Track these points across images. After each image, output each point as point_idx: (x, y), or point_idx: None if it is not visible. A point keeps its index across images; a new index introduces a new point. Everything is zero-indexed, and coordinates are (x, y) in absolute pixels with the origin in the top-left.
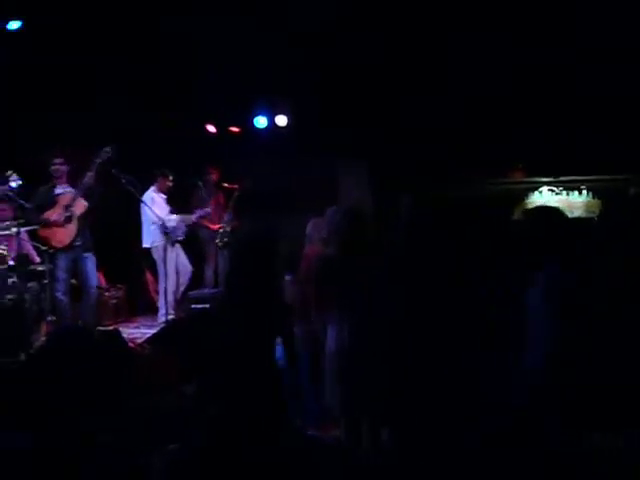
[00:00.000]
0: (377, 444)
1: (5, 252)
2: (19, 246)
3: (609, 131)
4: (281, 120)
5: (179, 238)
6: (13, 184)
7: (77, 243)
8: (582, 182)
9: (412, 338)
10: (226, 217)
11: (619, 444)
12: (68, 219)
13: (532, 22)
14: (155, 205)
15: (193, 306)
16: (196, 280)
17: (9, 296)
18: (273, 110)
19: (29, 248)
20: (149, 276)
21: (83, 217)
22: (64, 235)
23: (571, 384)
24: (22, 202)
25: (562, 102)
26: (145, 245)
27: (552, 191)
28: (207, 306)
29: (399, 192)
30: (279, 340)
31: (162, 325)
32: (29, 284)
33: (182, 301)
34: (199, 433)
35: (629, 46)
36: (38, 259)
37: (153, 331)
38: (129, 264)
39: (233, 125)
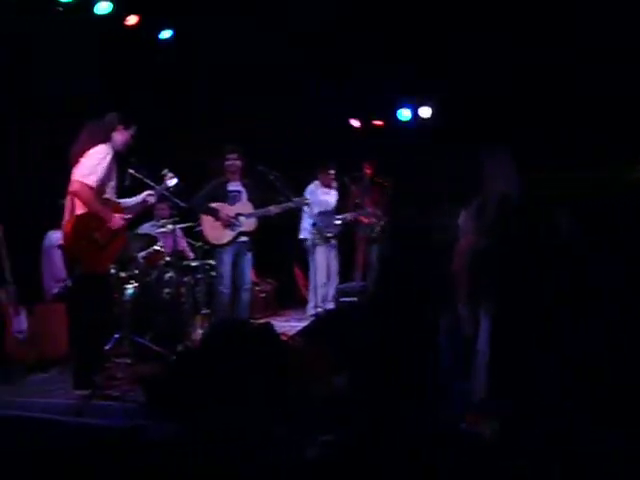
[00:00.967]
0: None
1: (162, 249)
2: (175, 243)
3: None
4: (425, 112)
5: (330, 234)
6: (169, 183)
7: (242, 239)
8: None
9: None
10: (378, 212)
11: None
12: (231, 225)
13: None
14: (313, 198)
15: (342, 299)
16: (345, 273)
17: (166, 290)
18: (417, 102)
19: (184, 245)
20: (298, 270)
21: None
22: (223, 235)
23: None
24: (177, 201)
25: None
26: (301, 236)
27: None
28: (355, 299)
29: (544, 179)
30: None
31: (311, 318)
32: (184, 278)
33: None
34: (352, 424)
35: None
36: (192, 255)
37: (302, 324)
38: (279, 259)
39: (377, 119)
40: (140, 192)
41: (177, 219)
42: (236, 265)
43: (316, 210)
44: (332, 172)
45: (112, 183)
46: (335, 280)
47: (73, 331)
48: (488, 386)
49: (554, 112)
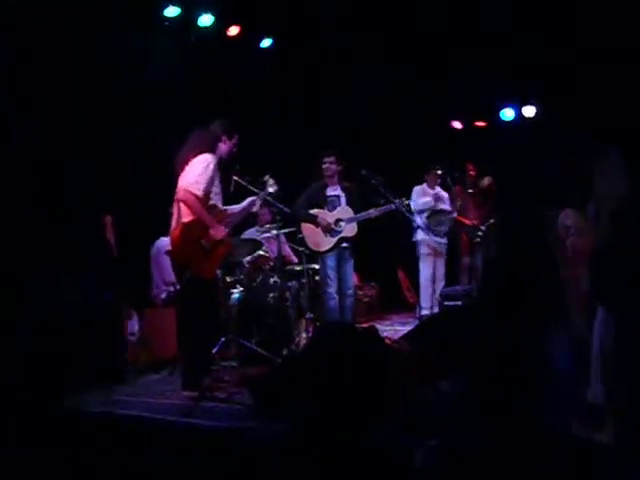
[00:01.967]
0: None
1: (267, 254)
2: (279, 248)
3: None
4: (529, 111)
5: (440, 235)
6: (270, 189)
7: (343, 245)
8: None
9: None
10: (483, 213)
11: None
12: (331, 231)
13: None
14: (420, 199)
15: (446, 303)
16: (450, 277)
17: (271, 294)
18: (520, 101)
19: (287, 249)
20: (401, 273)
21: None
22: (324, 242)
23: None
24: (281, 206)
25: None
26: (414, 239)
27: None
28: (460, 303)
29: None
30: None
31: (416, 322)
32: (289, 283)
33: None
34: (458, 430)
35: None
36: (296, 259)
37: (407, 328)
38: (382, 262)
39: (479, 120)
40: (244, 198)
41: (280, 224)
42: (339, 270)
43: (425, 212)
44: (439, 173)
45: (217, 190)
46: (441, 283)
47: (181, 334)
48: (605, 390)
49: None
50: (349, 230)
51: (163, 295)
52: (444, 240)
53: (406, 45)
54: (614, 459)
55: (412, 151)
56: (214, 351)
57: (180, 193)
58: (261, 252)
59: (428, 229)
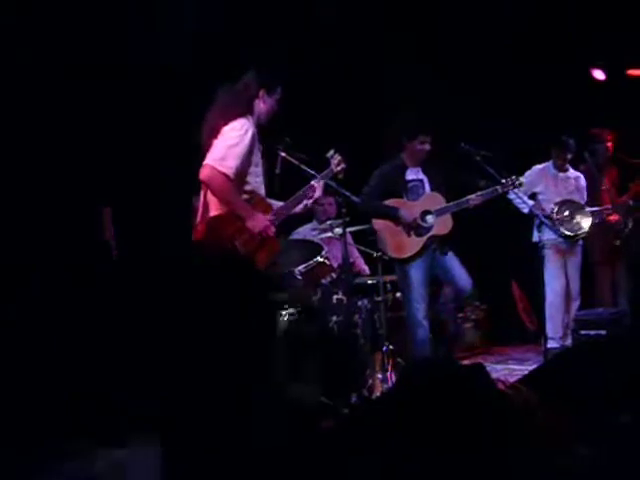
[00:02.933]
0: None
1: (327, 261)
2: (345, 252)
3: None
4: None
5: (572, 234)
6: (337, 168)
7: (432, 246)
8: None
9: None
10: (622, 204)
11: None
12: (417, 227)
13: None
14: (544, 185)
15: (583, 332)
16: (587, 294)
17: (334, 318)
18: None
19: (356, 255)
20: (518, 289)
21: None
22: (408, 243)
23: None
24: (348, 194)
25: None
26: (535, 239)
27: None
28: (604, 333)
29: None
30: None
31: (541, 359)
32: (359, 302)
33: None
34: None
35: None
36: (367, 269)
37: (528, 368)
38: (490, 273)
39: (634, 67)
40: (294, 188)
41: (347, 219)
42: (436, 276)
43: (552, 201)
44: (572, 147)
45: (257, 169)
46: (576, 303)
47: None
48: None
49: None
50: (441, 225)
51: None
52: (579, 242)
53: None
54: None
55: (531, 114)
56: None
57: (204, 171)
58: (320, 258)
59: (558, 225)
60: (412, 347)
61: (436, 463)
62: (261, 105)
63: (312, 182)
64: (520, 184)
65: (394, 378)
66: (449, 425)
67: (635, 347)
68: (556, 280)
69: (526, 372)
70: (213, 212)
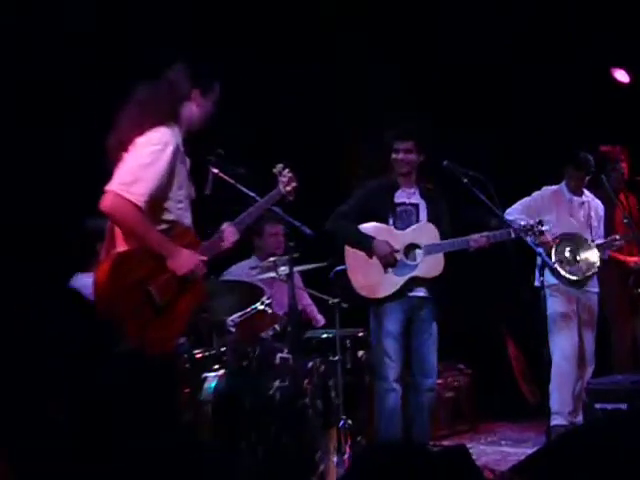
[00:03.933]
0: None
1: (269, 309)
2: (292, 298)
3: None
4: None
5: (580, 278)
6: (285, 188)
7: (417, 292)
8: None
9: None
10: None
11: None
12: (395, 264)
13: None
14: (556, 213)
15: (598, 405)
16: (603, 357)
17: (277, 383)
18: None
19: (308, 301)
20: (513, 347)
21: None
22: (383, 282)
23: None
24: (298, 224)
25: None
26: (536, 283)
27: None
28: (623, 406)
29: None
30: None
31: (542, 440)
32: (309, 363)
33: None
34: None
35: None
36: (322, 319)
37: (525, 451)
38: (480, 327)
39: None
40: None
41: (296, 255)
42: (409, 339)
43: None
44: (590, 166)
45: (181, 194)
46: (590, 368)
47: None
48: None
49: None
50: (429, 266)
51: None
52: (594, 289)
53: None
54: None
55: (540, 126)
56: None
57: (106, 200)
58: (260, 306)
59: (559, 268)
60: (378, 420)
61: None
62: (194, 109)
63: (223, 226)
64: (542, 233)
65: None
66: None
67: None
68: (566, 339)
69: (524, 456)
70: (120, 246)
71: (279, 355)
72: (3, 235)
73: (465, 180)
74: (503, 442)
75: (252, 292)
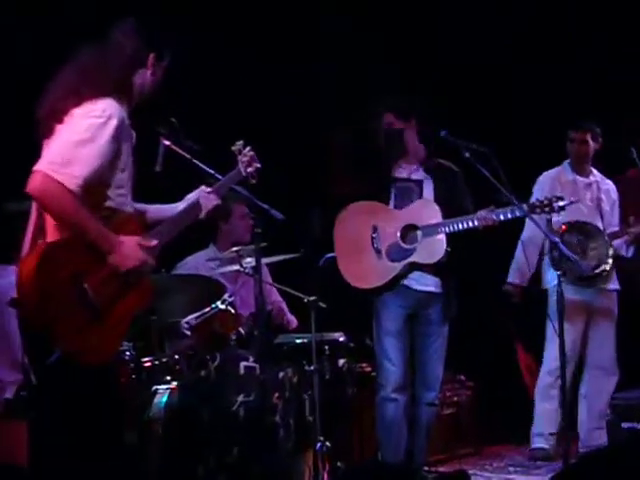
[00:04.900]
0: None
1: (231, 308)
2: (259, 295)
3: None
4: None
5: (588, 274)
6: (247, 169)
7: (419, 285)
8: None
9: None
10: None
11: None
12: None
13: None
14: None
15: (625, 425)
16: (628, 369)
17: (241, 398)
18: None
19: (277, 298)
20: (523, 355)
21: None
22: (377, 269)
23: None
24: (266, 206)
25: None
26: (544, 285)
27: None
28: None
29: None
30: None
31: (559, 467)
32: (280, 373)
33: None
34: None
35: None
36: (295, 321)
37: (536, 479)
38: (484, 331)
39: None
40: (184, 189)
41: (264, 244)
42: (414, 341)
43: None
44: (597, 136)
45: (124, 177)
46: (614, 379)
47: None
48: None
49: None
50: (428, 251)
51: (7, 394)
52: (612, 286)
53: None
54: None
55: (540, 126)
56: None
57: (34, 181)
58: (221, 305)
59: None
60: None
61: None
62: (147, 77)
63: (200, 190)
64: (562, 209)
65: None
66: None
67: None
68: (556, 349)
69: None
70: (51, 236)
71: (243, 364)
72: None
73: (467, 154)
74: (511, 468)
75: (211, 288)
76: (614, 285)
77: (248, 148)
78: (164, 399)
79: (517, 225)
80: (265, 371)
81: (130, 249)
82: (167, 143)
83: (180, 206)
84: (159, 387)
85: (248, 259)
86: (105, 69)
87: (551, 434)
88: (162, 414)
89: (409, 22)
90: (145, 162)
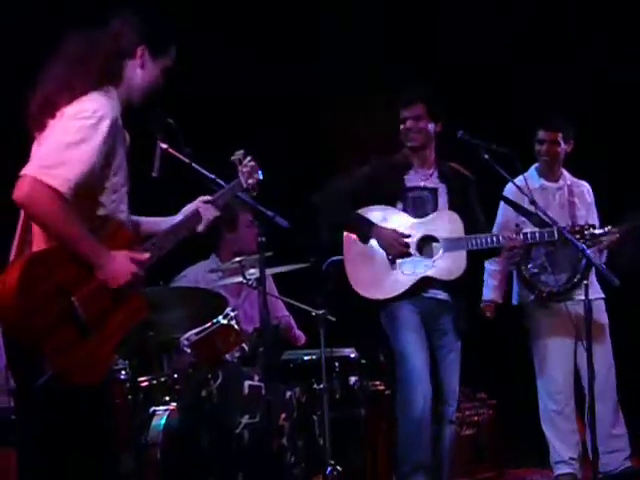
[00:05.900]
0: None
1: (234, 322)
2: (263, 309)
3: None
4: None
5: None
6: (249, 180)
7: (436, 294)
8: None
9: None
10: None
11: None
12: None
13: None
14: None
15: None
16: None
17: (245, 419)
18: None
19: (283, 312)
20: None
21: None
22: (389, 280)
23: None
24: (270, 214)
25: None
26: (514, 302)
27: None
28: None
29: None
30: None
31: None
32: (287, 393)
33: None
34: None
35: None
36: (302, 336)
37: None
38: (506, 347)
39: None
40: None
41: (269, 254)
42: (422, 335)
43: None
44: (567, 131)
45: (117, 181)
46: (610, 398)
47: None
48: None
49: None
50: (447, 266)
51: None
52: (595, 295)
53: None
54: None
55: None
56: None
57: (21, 187)
58: (223, 320)
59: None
60: (398, 435)
61: None
62: (137, 71)
63: (199, 200)
64: (594, 237)
65: None
66: None
67: None
68: (553, 369)
69: None
70: (36, 245)
71: (248, 383)
72: None
73: (486, 156)
74: None
75: (212, 302)
76: (598, 294)
77: (249, 158)
78: (162, 421)
79: None
80: (271, 390)
81: (121, 265)
82: (164, 146)
83: (177, 219)
84: (157, 408)
85: (252, 270)
86: (93, 57)
87: (572, 459)
88: (160, 438)
89: (409, 22)
90: (141, 167)
